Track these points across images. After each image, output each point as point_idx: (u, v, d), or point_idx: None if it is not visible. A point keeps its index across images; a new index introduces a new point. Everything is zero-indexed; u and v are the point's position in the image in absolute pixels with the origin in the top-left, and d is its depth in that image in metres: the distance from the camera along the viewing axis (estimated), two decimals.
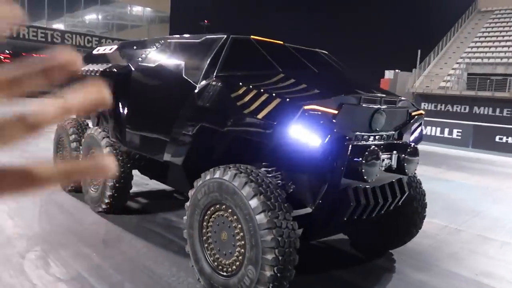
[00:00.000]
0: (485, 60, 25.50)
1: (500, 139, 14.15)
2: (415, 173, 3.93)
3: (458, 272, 3.83)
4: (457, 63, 26.52)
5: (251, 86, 2.88)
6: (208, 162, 3.23)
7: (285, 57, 3.65)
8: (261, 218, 2.59)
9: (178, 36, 4.21)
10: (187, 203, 3.21)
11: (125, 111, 4.17)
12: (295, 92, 2.86)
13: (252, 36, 3.59)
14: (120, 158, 4.54)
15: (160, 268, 3.49)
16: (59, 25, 30.21)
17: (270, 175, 3.00)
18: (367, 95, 3.00)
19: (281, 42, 3.80)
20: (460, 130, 15.11)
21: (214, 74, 3.25)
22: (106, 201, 4.58)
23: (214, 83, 3.15)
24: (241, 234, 2.76)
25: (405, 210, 3.76)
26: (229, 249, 2.89)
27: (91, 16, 33.97)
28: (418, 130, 3.69)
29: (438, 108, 24.03)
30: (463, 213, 5.86)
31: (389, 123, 3.27)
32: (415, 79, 26.54)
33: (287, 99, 2.67)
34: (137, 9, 34.36)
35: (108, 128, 4.57)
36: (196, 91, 3.27)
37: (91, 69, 4.98)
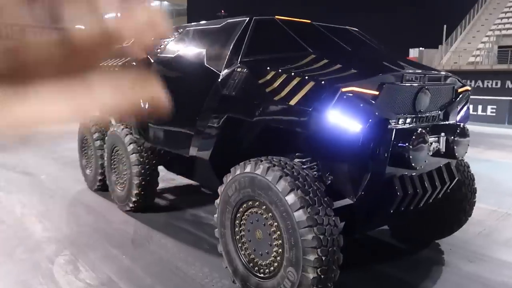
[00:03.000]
0: None
1: None
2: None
3: None
4: (487, 36, 25.33)
5: (280, 70, 2.62)
6: (236, 155, 3.01)
7: (314, 36, 3.35)
8: (300, 215, 2.35)
9: (196, 23, 3.97)
10: (217, 200, 3.00)
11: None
12: (330, 73, 2.57)
13: (276, 16, 3.31)
14: (145, 154, 4.38)
15: (191, 269, 3.31)
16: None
17: (305, 167, 2.74)
18: (409, 72, 2.69)
19: (308, 21, 3.49)
20: (495, 107, 14.34)
21: (239, 60, 2.99)
22: (133, 199, 4.44)
23: (239, 69, 2.89)
24: (278, 232, 2.53)
25: (453, 196, 3.44)
26: (265, 249, 2.67)
27: (109, 14, 34.20)
28: (465, 108, 3.34)
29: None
30: (509, 196, 5.44)
31: (434, 102, 2.95)
32: (442, 56, 25.51)
33: (322, 82, 2.39)
34: (154, 4, 34.29)
35: (130, 124, 4.40)
36: (220, 79, 3.03)
37: (108, 63, 4.81)
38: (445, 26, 25.87)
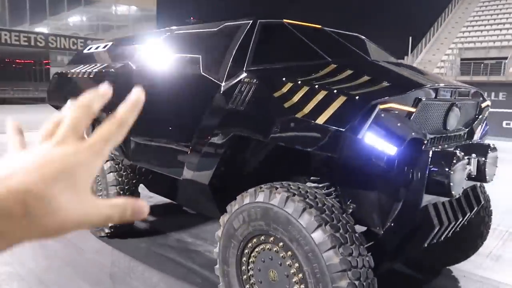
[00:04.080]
0: (478, 44, 25.26)
1: (508, 124, 13.71)
2: None
3: None
4: (450, 48, 26.25)
5: (299, 82, 2.22)
6: (241, 179, 2.58)
7: (329, 43, 2.99)
8: (330, 256, 1.95)
9: (187, 26, 3.53)
10: (218, 233, 2.56)
11: (149, 126, 3.44)
12: (360, 87, 2.20)
13: (285, 20, 2.92)
14: (124, 173, 3.85)
15: None
16: (42, 29, 29.13)
17: (329, 195, 2.36)
18: (443, 87, 2.37)
19: (319, 26, 3.13)
20: None
21: (244, 68, 2.57)
22: (111, 225, 3.89)
23: (246, 80, 2.47)
24: (300, 275, 2.12)
25: (472, 221, 3.16)
26: None
27: (75, 18, 32.94)
28: (484, 124, 3.08)
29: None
30: (501, 212, 5.29)
31: (461, 119, 2.66)
32: None
33: (356, 97, 2.02)
34: (122, 9, 33.37)
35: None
36: (221, 90, 2.59)
37: (83, 70, 4.26)
38: (410, 38, 26.59)
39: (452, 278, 3.45)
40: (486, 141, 2.86)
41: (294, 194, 2.14)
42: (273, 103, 2.28)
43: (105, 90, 0.43)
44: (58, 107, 4.97)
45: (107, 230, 3.96)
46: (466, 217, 2.65)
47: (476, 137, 2.86)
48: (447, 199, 2.43)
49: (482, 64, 22.63)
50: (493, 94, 21.23)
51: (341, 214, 2.12)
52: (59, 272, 3.37)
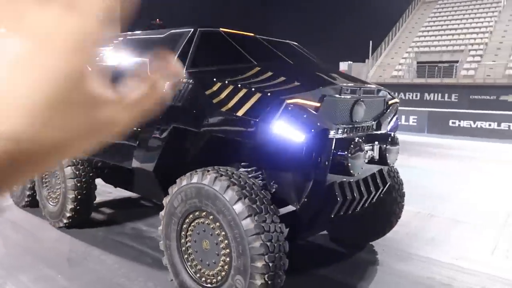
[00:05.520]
0: (432, 49, 26.58)
1: (453, 123, 14.78)
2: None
3: (438, 258, 3.84)
4: (407, 52, 27.48)
5: (226, 82, 2.67)
6: (181, 166, 2.99)
7: (258, 49, 3.46)
8: (247, 223, 2.40)
9: (138, 32, 3.90)
10: (162, 212, 2.96)
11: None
12: (275, 85, 2.67)
13: (221, 29, 3.36)
14: (81, 167, 4.17)
15: (134, 285, 3.21)
16: None
17: (251, 176, 2.81)
18: (347, 85, 2.88)
19: (252, 34, 3.60)
20: (416, 117, 15.63)
21: (184, 70, 3.00)
22: (68, 215, 4.19)
23: (184, 80, 2.90)
24: (226, 241, 2.55)
25: (384, 200, 3.71)
26: (212, 259, 2.68)
27: None
28: (394, 119, 3.63)
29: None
30: (432, 198, 5.96)
31: (368, 113, 3.18)
32: (368, 69, 27.27)
33: (268, 94, 2.49)
34: None
35: None
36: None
37: None
38: (371, 41, 27.77)
39: (373, 251, 3.99)
40: (394, 133, 3.41)
41: (221, 175, 2.58)
42: (204, 99, 2.72)
43: None
44: None
45: (65, 221, 4.25)
46: (372, 195, 3.17)
47: (384, 129, 3.39)
48: (352, 178, 2.94)
49: (436, 67, 23.98)
50: (446, 95, 22.60)
51: (259, 190, 2.57)
52: (18, 258, 3.64)
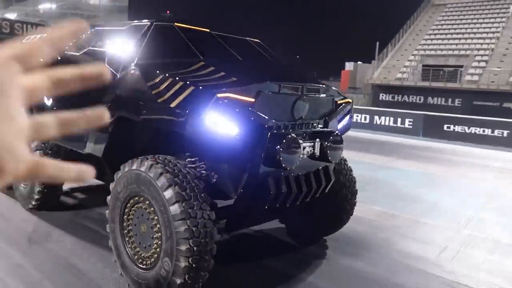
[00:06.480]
0: (438, 52, 26.40)
1: (448, 127, 14.76)
2: (345, 160, 4.00)
3: (388, 256, 3.95)
4: (413, 55, 27.33)
5: (167, 75, 2.80)
6: (130, 154, 3.14)
7: (209, 45, 3.59)
8: (175, 208, 2.54)
9: (107, 23, 4.05)
10: (108, 197, 3.11)
11: (50, 102, 3.99)
12: (211, 80, 2.81)
13: (176, 23, 3.50)
14: (50, 152, 4.34)
15: (85, 265, 3.38)
16: (10, 15, 28.70)
17: (192, 166, 2.95)
18: (286, 83, 2.99)
19: (207, 30, 3.72)
20: (412, 120, 15.62)
21: (134, 62, 3.14)
22: (36, 197, 4.38)
23: (132, 71, 3.04)
24: (158, 226, 2.70)
25: (335, 197, 3.82)
26: (148, 242, 2.83)
27: (45, 5, 32.56)
28: (346, 118, 3.73)
29: (395, 99, 24.80)
30: (403, 199, 6.05)
31: (313, 111, 3.28)
32: (373, 71, 27.20)
33: (200, 87, 2.62)
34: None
35: None
36: (115, 80, 3.15)
37: None
38: (377, 43, 27.69)
39: (324, 246, 4.11)
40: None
41: (157, 163, 2.72)
42: (145, 90, 2.86)
43: (79, 25, 0.36)
44: None
45: (34, 203, 4.43)
46: (312, 190, 3.29)
47: (332, 127, 3.50)
48: (292, 173, 3.06)
49: (441, 71, 23.85)
50: (450, 100, 22.48)
51: (193, 179, 2.71)
52: None
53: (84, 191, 5.46)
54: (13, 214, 4.45)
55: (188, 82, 2.67)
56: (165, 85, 2.75)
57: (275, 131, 2.87)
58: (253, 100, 2.75)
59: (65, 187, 4.92)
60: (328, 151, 3.18)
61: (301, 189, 3.16)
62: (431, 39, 28.06)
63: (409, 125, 15.62)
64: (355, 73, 32.43)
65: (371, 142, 13.06)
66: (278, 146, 2.77)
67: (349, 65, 33.35)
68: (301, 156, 3.00)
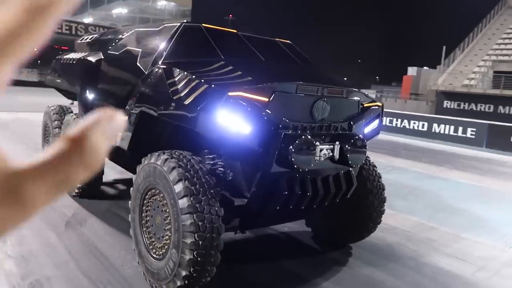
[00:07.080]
0: None
1: None
2: (374, 166, 3.86)
3: (414, 269, 3.74)
4: (483, 60, 25.57)
5: (185, 73, 2.90)
6: (153, 148, 3.28)
7: (233, 45, 3.64)
8: (183, 202, 2.62)
9: (145, 24, 4.27)
10: (131, 188, 3.28)
11: (94, 97, 4.28)
12: (226, 79, 2.85)
13: (203, 24, 3.60)
14: None
15: (109, 251, 3.58)
16: (86, 19, 31.26)
17: (210, 162, 3.01)
18: (304, 83, 2.95)
19: (234, 31, 3.79)
20: (474, 129, 14.57)
21: (161, 61, 3.28)
22: (79, 185, 4.71)
23: (157, 69, 3.19)
24: (169, 218, 2.80)
25: (360, 204, 3.70)
26: (161, 233, 2.94)
27: (117, 10, 34.99)
28: (375, 122, 3.60)
29: (461, 107, 23.30)
30: (445, 211, 5.68)
31: (335, 113, 3.20)
32: (438, 77, 25.80)
33: (213, 86, 2.68)
34: (160, 3, 35.09)
35: (81, 114, 4.69)
36: (142, 77, 3.32)
37: (70, 57, 5.12)
38: (444, 47, 26.22)
39: (347, 253, 3.98)
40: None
41: (172, 157, 2.82)
42: (165, 87, 2.98)
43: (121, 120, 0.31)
44: (56, 89, 5.89)
45: (76, 190, 4.77)
46: (330, 194, 3.21)
47: (357, 130, 3.39)
48: (308, 175, 3.01)
49: None
50: None
51: (204, 175, 2.77)
52: None
53: (124, 182, 5.77)
54: (62, 200, 4.81)
55: (202, 81, 2.74)
56: (182, 83, 2.84)
57: (289, 132, 2.85)
58: (267, 99, 2.75)
59: (106, 178, 5.23)
60: (348, 155, 3.09)
61: (318, 192, 3.10)
62: (505, 43, 26.05)
63: (471, 134, 14.59)
64: (418, 79, 30.95)
65: (424, 150, 12.39)
66: (291, 147, 2.75)
67: (411, 70, 31.88)
68: (317, 158, 2.95)
